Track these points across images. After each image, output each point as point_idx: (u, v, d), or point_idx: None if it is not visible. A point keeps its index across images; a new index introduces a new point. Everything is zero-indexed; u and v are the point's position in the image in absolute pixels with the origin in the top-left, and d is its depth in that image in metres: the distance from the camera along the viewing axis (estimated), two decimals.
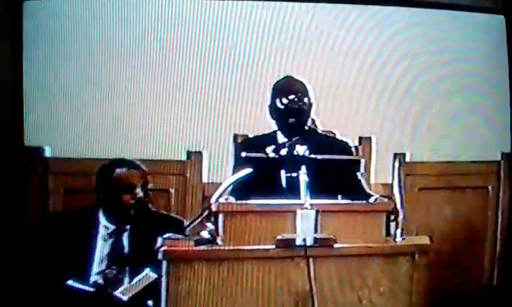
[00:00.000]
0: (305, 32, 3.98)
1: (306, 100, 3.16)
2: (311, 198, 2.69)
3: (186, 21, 3.88)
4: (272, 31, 3.94)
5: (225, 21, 3.91)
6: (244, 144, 3.34)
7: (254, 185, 2.82)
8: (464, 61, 4.16)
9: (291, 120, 3.12)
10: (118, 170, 3.16)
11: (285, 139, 3.12)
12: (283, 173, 3.01)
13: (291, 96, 3.14)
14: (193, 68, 3.89)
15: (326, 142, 3.21)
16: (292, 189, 2.85)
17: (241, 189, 2.86)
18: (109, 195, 3.15)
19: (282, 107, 3.14)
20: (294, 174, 2.82)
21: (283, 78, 3.25)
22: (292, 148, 2.98)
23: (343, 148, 3.24)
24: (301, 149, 2.98)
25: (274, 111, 3.18)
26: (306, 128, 3.20)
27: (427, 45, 4.12)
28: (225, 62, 3.91)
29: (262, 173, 2.86)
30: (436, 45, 4.13)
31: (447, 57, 4.15)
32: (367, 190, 3.13)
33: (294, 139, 3.06)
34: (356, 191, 3.03)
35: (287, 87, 3.18)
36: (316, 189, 2.76)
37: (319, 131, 3.32)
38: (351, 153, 3.26)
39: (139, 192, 3.13)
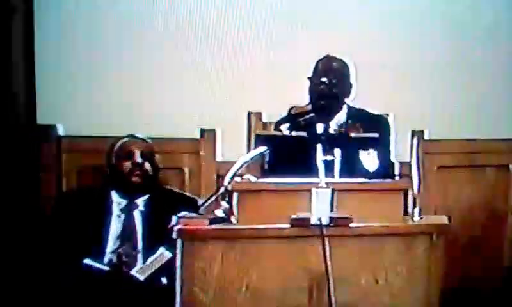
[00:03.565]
0: (321, 8, 3.92)
1: (341, 82, 3.20)
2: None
3: None
4: (286, 8, 3.89)
5: None
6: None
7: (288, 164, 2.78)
8: (484, 36, 4.10)
9: (321, 101, 3.17)
10: (119, 142, 3.28)
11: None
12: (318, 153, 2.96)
13: (323, 79, 3.19)
14: (207, 44, 3.86)
15: (364, 119, 3.21)
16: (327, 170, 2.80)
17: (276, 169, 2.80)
18: (112, 166, 3.25)
19: (314, 87, 3.21)
20: (330, 157, 2.77)
21: (323, 58, 3.28)
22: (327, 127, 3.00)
23: (381, 123, 3.24)
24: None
25: (309, 90, 3.24)
26: (345, 106, 3.24)
27: (446, 20, 4.05)
28: (240, 39, 3.87)
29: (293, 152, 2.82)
30: (454, 19, 4.06)
31: (466, 32, 4.08)
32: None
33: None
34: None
35: (322, 68, 3.23)
36: (347, 170, 2.73)
37: (356, 106, 3.32)
38: (389, 130, 3.27)
39: (138, 158, 3.20)
